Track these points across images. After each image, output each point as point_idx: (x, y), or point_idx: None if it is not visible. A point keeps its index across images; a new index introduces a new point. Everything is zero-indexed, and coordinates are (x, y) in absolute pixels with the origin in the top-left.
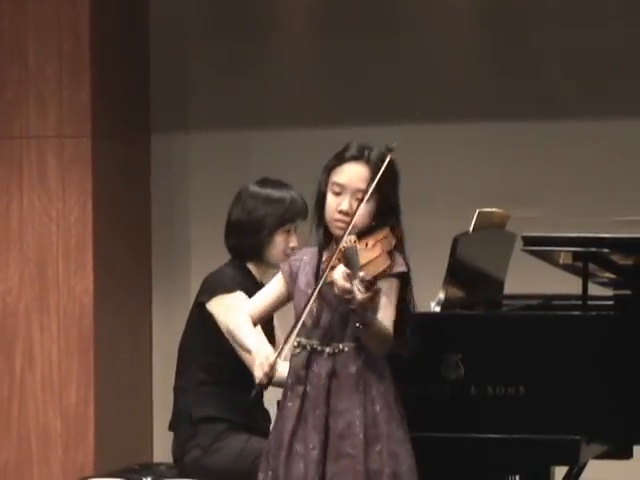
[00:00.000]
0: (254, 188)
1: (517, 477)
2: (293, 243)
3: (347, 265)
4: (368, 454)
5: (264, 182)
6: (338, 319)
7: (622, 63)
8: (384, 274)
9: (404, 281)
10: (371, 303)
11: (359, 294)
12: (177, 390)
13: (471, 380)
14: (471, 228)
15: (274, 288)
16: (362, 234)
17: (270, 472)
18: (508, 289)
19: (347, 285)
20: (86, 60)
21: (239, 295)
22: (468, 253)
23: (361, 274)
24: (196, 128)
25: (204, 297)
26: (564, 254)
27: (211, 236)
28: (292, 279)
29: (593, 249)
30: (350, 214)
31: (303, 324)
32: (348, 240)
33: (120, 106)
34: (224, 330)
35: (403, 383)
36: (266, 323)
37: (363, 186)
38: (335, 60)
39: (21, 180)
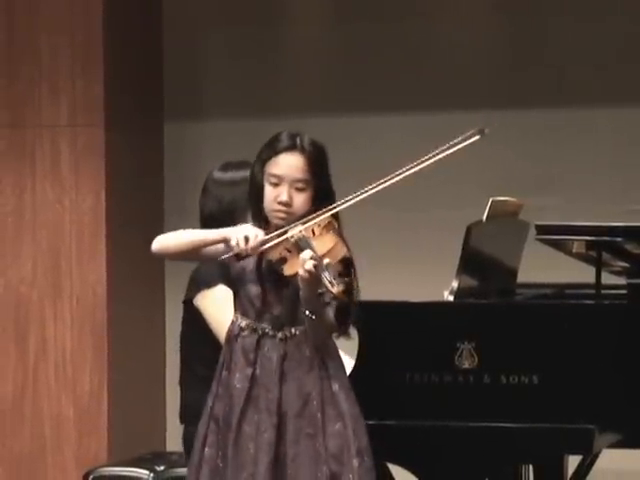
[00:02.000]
0: (217, 174)
1: (530, 466)
2: None
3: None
4: (326, 432)
5: (226, 166)
6: (287, 305)
7: (639, 51)
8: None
9: (347, 265)
10: (343, 296)
11: (333, 287)
12: (182, 385)
13: (485, 369)
14: (485, 217)
15: (209, 238)
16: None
17: (220, 452)
18: (521, 278)
19: (322, 279)
20: (99, 49)
21: (220, 288)
22: (481, 242)
23: (326, 262)
24: (209, 117)
25: (190, 294)
26: (577, 243)
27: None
28: (238, 256)
29: (607, 238)
30: (290, 204)
31: (251, 308)
32: (296, 231)
33: (133, 95)
34: (212, 323)
35: (416, 372)
36: None
37: (300, 175)
38: (349, 48)
39: (34, 169)
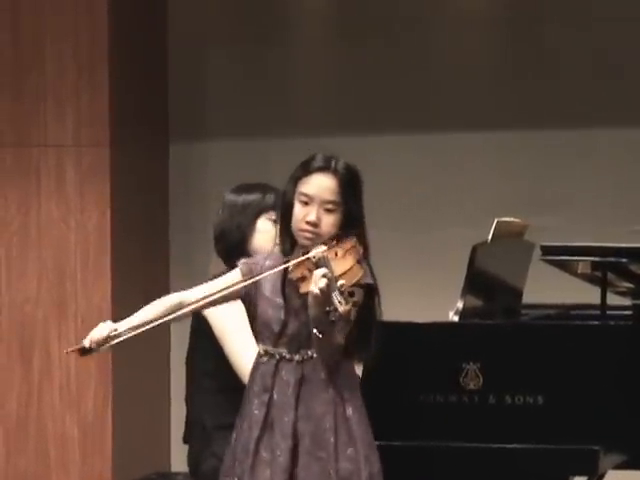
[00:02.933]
0: (230, 197)
1: None
2: None
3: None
4: (338, 457)
5: (240, 188)
6: (304, 327)
7: None
8: (357, 284)
9: (369, 292)
10: (350, 315)
11: (340, 306)
12: (188, 400)
13: (490, 390)
14: (490, 237)
15: (228, 283)
16: (329, 244)
17: (236, 478)
18: (527, 298)
19: (331, 297)
20: (104, 69)
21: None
22: (487, 262)
23: (340, 282)
24: (214, 136)
25: None
26: (583, 264)
27: None
28: (252, 285)
29: (612, 259)
30: (318, 225)
31: (269, 333)
32: (319, 251)
33: (138, 115)
34: (218, 333)
35: (422, 392)
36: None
37: (330, 197)
38: (354, 68)
39: (39, 189)
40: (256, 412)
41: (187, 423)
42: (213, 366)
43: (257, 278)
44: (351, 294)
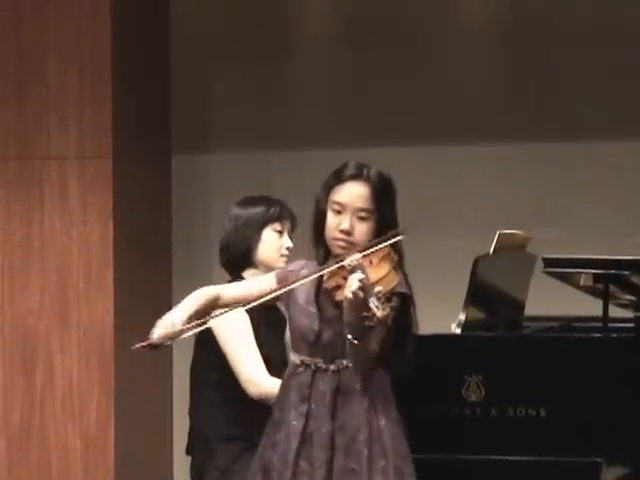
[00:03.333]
0: (236, 210)
1: None
2: (288, 243)
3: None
4: (372, 469)
5: (245, 201)
6: (339, 336)
7: None
8: (393, 290)
9: (404, 301)
10: (388, 320)
11: (378, 311)
12: (191, 413)
13: (492, 402)
14: (492, 250)
15: (261, 287)
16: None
17: None
18: (529, 311)
19: (368, 303)
20: (107, 81)
21: (237, 310)
22: (489, 275)
23: (377, 289)
24: (216, 148)
25: None
26: (585, 276)
27: None
28: (287, 294)
29: (614, 271)
30: (351, 233)
31: (305, 343)
32: (353, 258)
33: (141, 127)
34: (223, 344)
35: (424, 404)
36: (278, 342)
37: (363, 205)
38: (355, 81)
39: (42, 201)
40: (294, 423)
41: (190, 434)
42: (217, 378)
43: (292, 286)
44: (388, 299)
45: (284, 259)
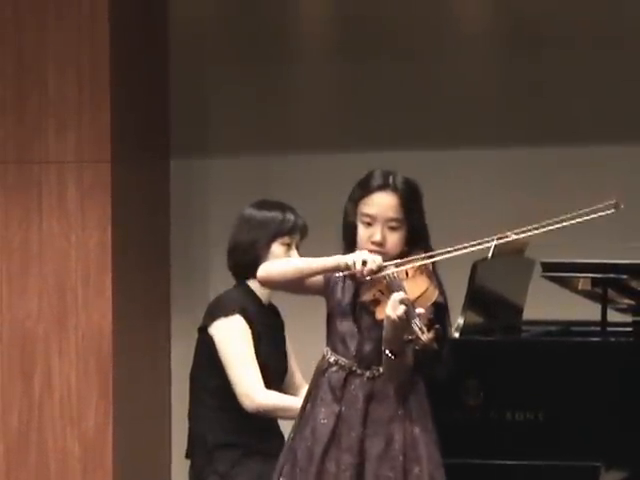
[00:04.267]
0: (250, 211)
1: None
2: (295, 257)
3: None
4: (407, 476)
5: (261, 204)
6: (376, 344)
7: (639, 89)
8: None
9: (440, 309)
10: (432, 344)
11: (423, 335)
12: (191, 418)
13: (490, 406)
14: (490, 254)
15: (319, 265)
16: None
17: None
18: (527, 315)
19: (411, 326)
20: (106, 86)
21: (237, 319)
22: (487, 279)
23: (418, 311)
24: (215, 153)
25: (206, 321)
26: (583, 280)
27: None
28: (328, 284)
29: (612, 275)
30: (383, 244)
31: (342, 344)
32: (389, 272)
33: (140, 131)
34: (222, 354)
35: None
36: (279, 351)
37: (393, 214)
38: (355, 86)
39: (40, 205)
40: (324, 421)
41: (190, 438)
42: (217, 385)
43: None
44: (431, 321)
45: None
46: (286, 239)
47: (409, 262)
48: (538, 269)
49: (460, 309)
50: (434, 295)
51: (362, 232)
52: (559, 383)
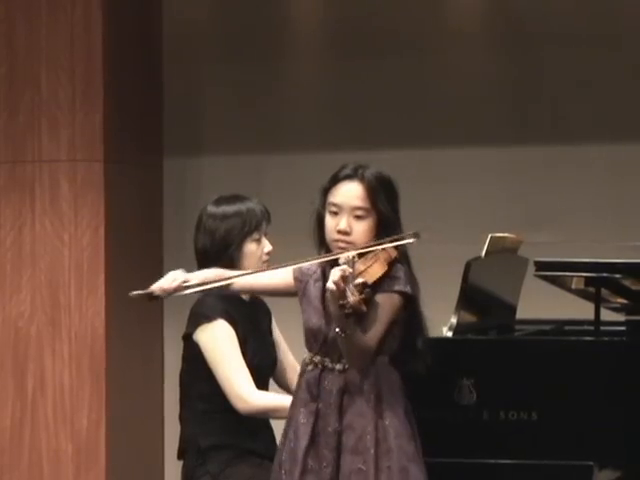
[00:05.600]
0: (211, 208)
1: None
2: (268, 248)
3: None
4: (379, 469)
5: (219, 200)
6: None
7: (636, 87)
8: (381, 280)
9: (409, 301)
10: (360, 306)
11: (352, 297)
12: (182, 420)
13: (483, 405)
14: (483, 253)
15: (279, 277)
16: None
17: None
18: (520, 314)
19: (341, 286)
20: (99, 84)
21: (220, 323)
22: (480, 278)
23: (359, 281)
24: (208, 152)
25: (190, 329)
26: (576, 279)
27: None
28: (300, 283)
29: (605, 274)
30: (349, 233)
31: (314, 341)
32: (348, 254)
33: (133, 130)
34: (209, 360)
35: (415, 407)
36: (268, 350)
37: (359, 203)
38: (348, 85)
39: (33, 204)
40: (303, 421)
41: (181, 440)
42: (206, 389)
43: (302, 264)
44: (365, 286)
45: (267, 264)
46: (255, 235)
47: (366, 247)
48: (531, 268)
49: (453, 308)
50: (380, 270)
51: (329, 222)
52: (552, 382)
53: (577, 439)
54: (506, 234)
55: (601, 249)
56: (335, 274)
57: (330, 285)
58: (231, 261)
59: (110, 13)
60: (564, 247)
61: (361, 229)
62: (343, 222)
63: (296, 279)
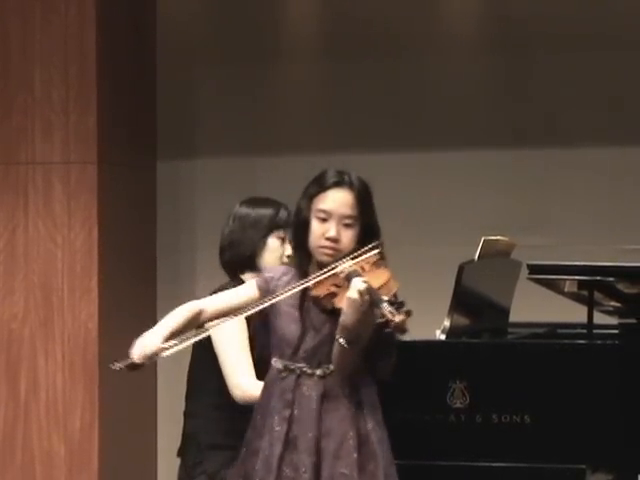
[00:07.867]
0: (244, 209)
1: None
2: (288, 252)
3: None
4: (362, 473)
5: (253, 201)
6: (323, 341)
7: (632, 90)
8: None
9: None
10: (405, 325)
11: (395, 316)
12: (187, 414)
13: (476, 408)
14: (477, 256)
15: (243, 295)
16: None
17: None
18: (513, 317)
19: (383, 309)
20: (92, 86)
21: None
22: (474, 281)
23: (385, 297)
24: (202, 154)
25: None
26: (569, 282)
27: (217, 262)
28: (267, 292)
29: (598, 278)
30: (338, 240)
31: (288, 348)
32: (346, 266)
33: (126, 132)
34: (217, 349)
35: (408, 410)
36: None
37: (349, 211)
38: (341, 87)
39: (27, 206)
40: (277, 428)
41: (183, 437)
42: (215, 384)
43: (277, 299)
44: (401, 304)
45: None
46: (281, 232)
47: (360, 255)
48: (524, 271)
49: (446, 311)
50: (396, 285)
51: (316, 228)
52: (545, 385)
53: (570, 442)
54: (499, 237)
55: (595, 252)
56: (360, 285)
57: (354, 296)
58: (254, 249)
59: (104, 15)
60: (558, 250)
61: (349, 236)
62: (332, 229)
63: (263, 288)
